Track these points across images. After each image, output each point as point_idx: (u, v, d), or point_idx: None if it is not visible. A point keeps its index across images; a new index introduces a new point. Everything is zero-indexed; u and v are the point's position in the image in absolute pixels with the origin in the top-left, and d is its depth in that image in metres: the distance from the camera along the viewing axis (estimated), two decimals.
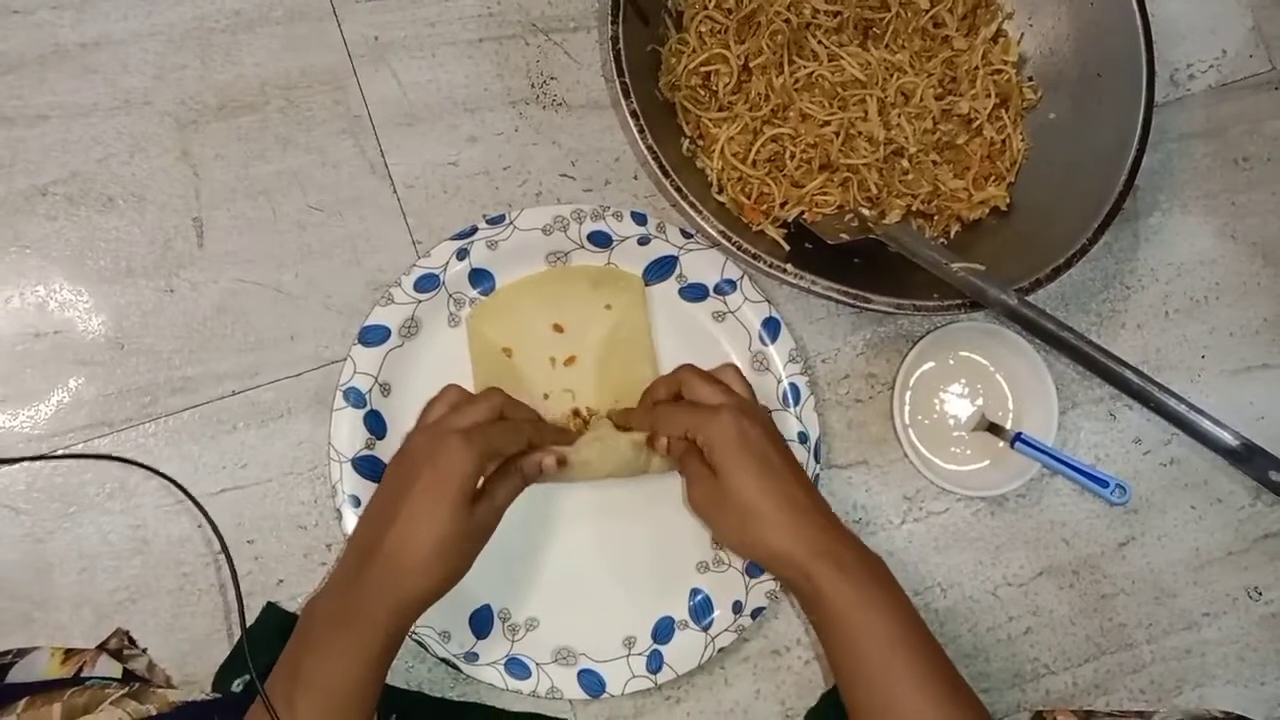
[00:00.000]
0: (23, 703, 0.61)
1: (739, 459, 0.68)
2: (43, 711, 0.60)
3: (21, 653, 0.68)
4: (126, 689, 0.63)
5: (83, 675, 0.66)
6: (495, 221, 0.76)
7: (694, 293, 0.79)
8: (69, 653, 0.69)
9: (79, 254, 0.74)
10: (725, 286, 0.78)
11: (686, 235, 0.78)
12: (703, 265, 0.78)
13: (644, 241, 0.77)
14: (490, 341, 0.76)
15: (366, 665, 0.62)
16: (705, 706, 0.77)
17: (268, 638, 0.72)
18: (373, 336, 0.74)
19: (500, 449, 0.68)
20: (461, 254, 0.75)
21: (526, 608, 0.75)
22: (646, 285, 0.79)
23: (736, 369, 0.76)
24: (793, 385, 0.78)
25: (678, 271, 0.78)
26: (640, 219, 0.77)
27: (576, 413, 0.77)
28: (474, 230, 0.76)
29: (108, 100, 0.75)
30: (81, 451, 0.72)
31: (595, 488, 0.76)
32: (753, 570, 0.76)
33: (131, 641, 0.71)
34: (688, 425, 0.70)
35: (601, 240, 0.77)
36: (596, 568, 0.76)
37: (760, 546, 0.69)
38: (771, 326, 0.78)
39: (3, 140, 0.74)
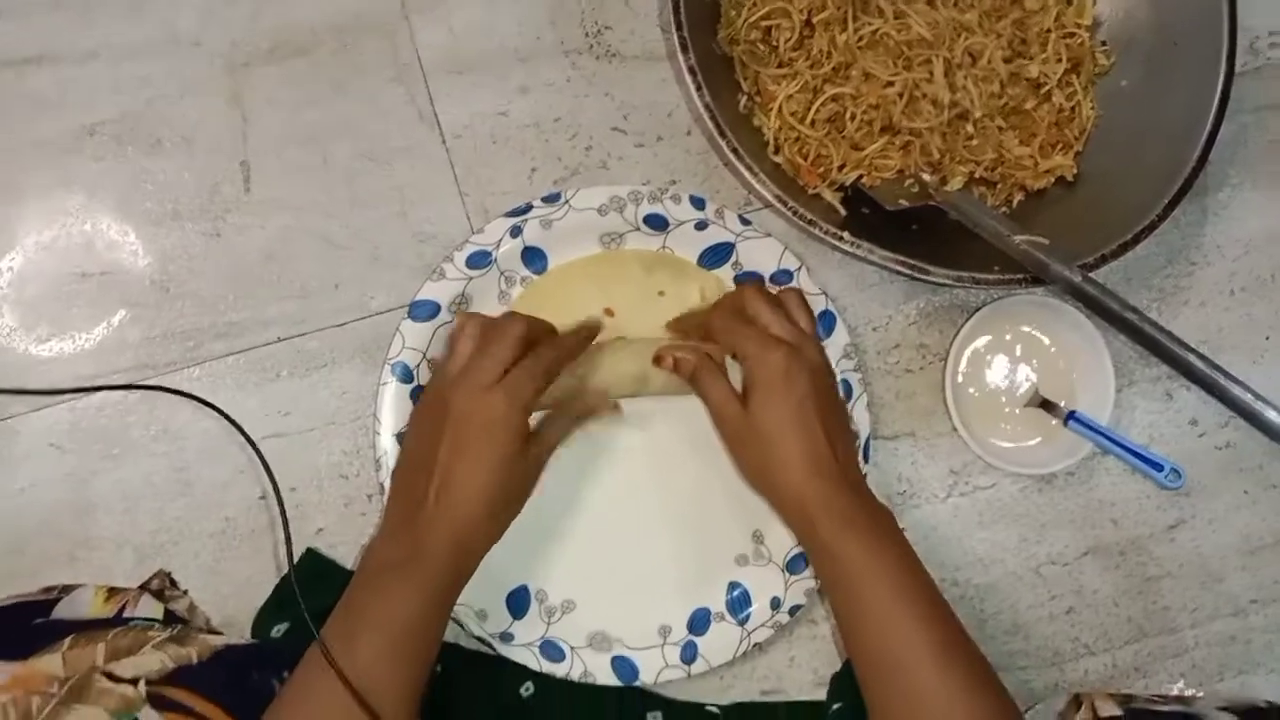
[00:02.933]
0: (68, 640, 0.61)
1: (777, 400, 0.66)
2: (87, 650, 0.61)
3: (67, 589, 0.69)
4: (168, 632, 0.64)
5: (125, 615, 0.67)
6: (550, 200, 0.75)
7: (749, 280, 0.77)
8: (112, 591, 0.69)
9: (126, 195, 0.74)
10: (782, 276, 0.76)
11: (744, 222, 0.76)
12: (760, 253, 0.76)
13: (701, 226, 0.76)
14: None
15: (429, 603, 0.62)
16: (739, 672, 0.76)
17: (307, 583, 0.73)
18: (422, 311, 0.73)
19: (536, 393, 0.67)
20: (515, 231, 0.74)
21: (563, 590, 0.75)
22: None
23: (800, 294, 0.73)
24: (845, 382, 0.76)
25: (734, 259, 0.76)
26: (699, 203, 0.75)
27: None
28: (529, 208, 0.74)
29: (158, 40, 0.74)
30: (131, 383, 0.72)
31: (639, 475, 0.76)
32: (793, 566, 0.75)
33: (173, 583, 0.72)
34: (739, 345, 0.69)
35: (658, 223, 0.75)
36: (636, 554, 0.76)
37: (773, 489, 0.69)
38: (827, 320, 0.76)
39: (51, 78, 0.73)
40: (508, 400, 0.64)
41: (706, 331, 0.72)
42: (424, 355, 0.73)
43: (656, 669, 0.74)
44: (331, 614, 0.63)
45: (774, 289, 0.75)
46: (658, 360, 0.73)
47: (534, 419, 0.68)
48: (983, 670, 0.64)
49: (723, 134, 0.68)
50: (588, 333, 0.73)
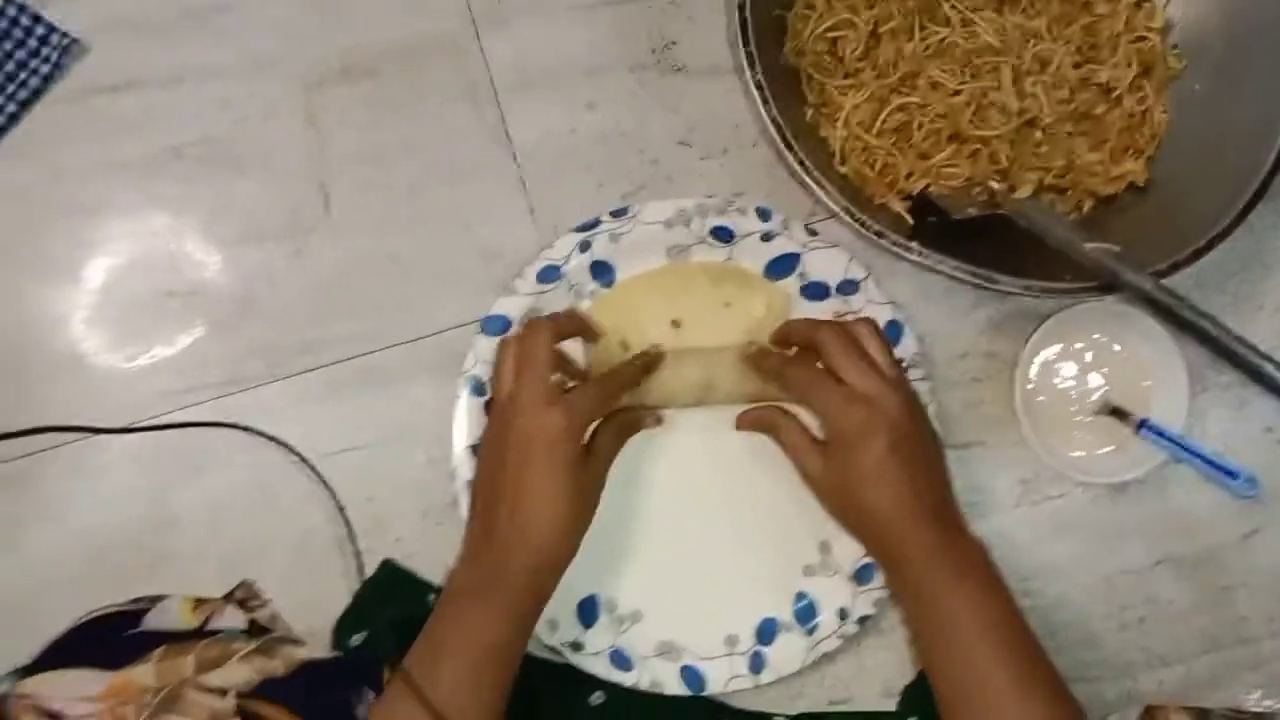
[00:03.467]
0: (159, 651, 0.63)
1: (855, 457, 0.67)
2: (178, 661, 0.63)
3: (155, 600, 0.71)
4: (254, 644, 0.65)
5: (211, 625, 0.69)
6: (618, 214, 0.76)
7: (815, 291, 0.77)
8: (199, 602, 0.71)
9: (211, 216, 0.76)
10: (848, 287, 0.76)
11: (811, 232, 0.76)
12: (826, 264, 0.76)
13: (767, 238, 0.76)
14: (606, 336, 0.76)
15: (508, 627, 0.63)
16: (807, 681, 0.76)
17: (384, 593, 0.75)
18: (494, 326, 0.75)
19: (595, 414, 0.69)
20: (584, 246, 0.75)
21: (632, 600, 0.75)
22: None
23: (873, 325, 0.72)
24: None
25: (800, 269, 0.77)
26: (765, 215, 0.76)
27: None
28: (597, 222, 0.75)
29: (238, 63, 0.76)
30: (205, 418, 0.75)
31: (705, 485, 0.77)
32: (861, 576, 0.75)
33: (256, 593, 0.74)
34: (816, 402, 0.70)
35: (724, 235, 0.76)
36: (703, 564, 0.76)
37: (859, 531, 0.70)
38: (894, 330, 0.76)
39: (136, 102, 0.75)
40: (566, 416, 0.65)
41: (786, 382, 0.72)
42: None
43: (724, 678, 0.74)
44: (415, 641, 0.64)
45: (845, 316, 0.76)
46: (739, 427, 0.75)
47: None
48: (1064, 703, 0.65)
49: (790, 146, 0.69)
50: (647, 362, 0.74)
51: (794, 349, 0.75)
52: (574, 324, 0.74)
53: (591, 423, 0.68)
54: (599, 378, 0.70)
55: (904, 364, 0.76)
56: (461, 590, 0.65)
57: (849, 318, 0.75)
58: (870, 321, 0.73)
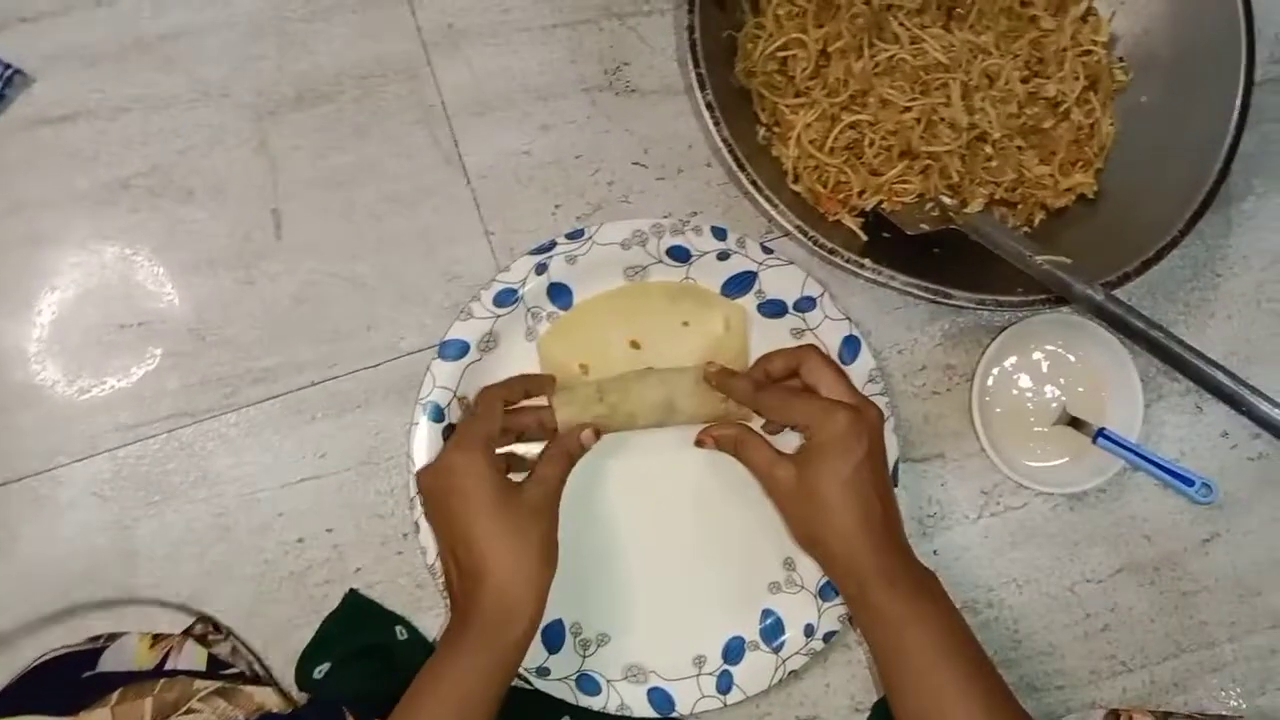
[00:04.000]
0: (116, 694, 0.62)
1: (837, 463, 0.67)
2: (135, 705, 0.62)
3: (112, 638, 0.70)
4: (214, 686, 0.65)
5: (170, 661, 0.68)
6: (574, 236, 0.76)
7: (773, 309, 0.77)
8: (156, 638, 0.71)
9: (161, 245, 0.75)
10: (805, 304, 0.77)
11: (766, 250, 0.77)
12: (782, 281, 0.77)
13: (723, 257, 0.76)
14: (562, 361, 0.76)
15: (484, 670, 0.63)
16: (775, 700, 0.77)
17: (348, 624, 0.74)
18: (451, 351, 0.74)
19: (488, 434, 0.68)
20: (540, 268, 0.75)
21: (598, 623, 0.75)
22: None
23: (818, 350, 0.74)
24: None
25: (757, 287, 0.77)
26: (720, 234, 0.76)
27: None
28: (553, 245, 0.75)
29: (187, 92, 0.76)
30: (160, 450, 0.74)
31: (669, 506, 0.77)
32: (825, 593, 0.75)
33: (216, 627, 0.73)
34: (797, 412, 0.70)
35: (680, 255, 0.76)
36: (668, 585, 0.76)
37: (824, 548, 0.70)
38: (852, 345, 0.77)
39: (86, 133, 0.75)
40: (457, 448, 0.67)
41: (760, 403, 0.73)
42: (454, 394, 0.74)
43: (693, 699, 0.74)
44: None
45: (803, 333, 0.77)
46: (699, 443, 0.75)
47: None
48: None
49: (741, 167, 0.69)
50: (540, 378, 0.75)
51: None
52: (519, 388, 0.73)
53: (486, 444, 0.67)
54: (477, 410, 0.71)
55: (864, 381, 0.77)
56: (444, 642, 0.66)
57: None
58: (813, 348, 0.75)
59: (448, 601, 0.73)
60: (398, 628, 0.74)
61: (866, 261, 0.70)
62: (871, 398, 0.76)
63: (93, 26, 0.75)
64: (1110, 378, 0.80)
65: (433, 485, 0.68)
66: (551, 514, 0.69)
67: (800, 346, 0.74)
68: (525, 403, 0.74)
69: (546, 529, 0.68)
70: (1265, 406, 0.63)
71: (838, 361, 0.75)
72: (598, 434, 0.73)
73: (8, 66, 0.72)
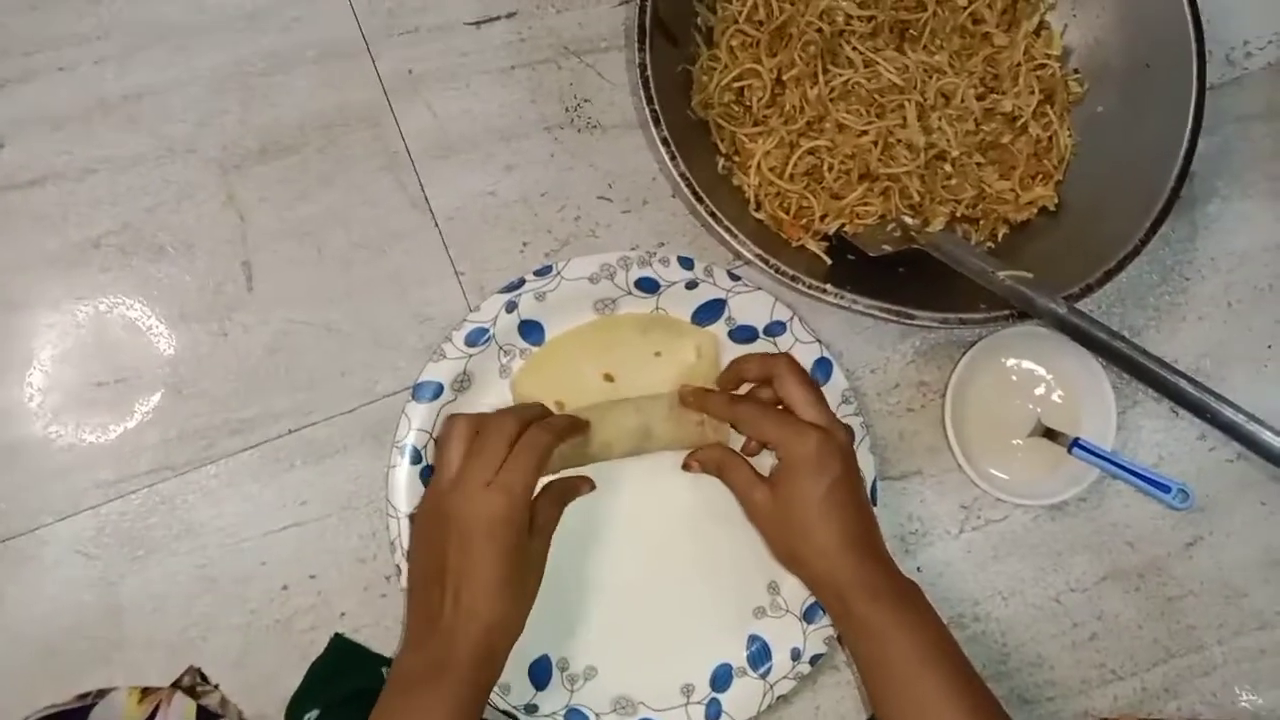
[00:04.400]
0: None
1: (810, 483, 0.68)
2: None
3: (101, 694, 0.71)
4: None
5: (158, 716, 0.69)
6: (542, 273, 0.76)
7: (744, 334, 0.78)
8: (145, 691, 0.71)
9: (134, 303, 0.76)
10: (775, 328, 0.77)
11: (734, 278, 0.77)
12: (752, 307, 0.77)
13: (691, 286, 0.77)
14: (537, 398, 0.76)
15: (458, 713, 0.62)
16: None
17: (335, 668, 0.75)
18: (425, 393, 0.75)
19: (531, 485, 0.67)
20: (510, 306, 0.76)
21: (585, 657, 0.75)
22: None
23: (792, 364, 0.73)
24: (846, 427, 0.77)
25: (727, 314, 0.78)
26: (687, 263, 0.77)
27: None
28: (521, 282, 0.76)
29: (153, 150, 0.77)
30: (140, 505, 0.74)
31: (651, 535, 0.77)
32: (810, 616, 0.76)
33: (204, 678, 0.74)
34: (769, 431, 0.71)
35: (649, 286, 0.77)
36: (653, 615, 0.76)
37: (806, 568, 0.71)
38: (824, 368, 0.77)
39: (54, 195, 0.76)
40: (507, 497, 0.64)
41: (735, 418, 0.74)
42: (431, 436, 0.75)
43: None
44: None
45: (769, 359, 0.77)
46: (686, 467, 0.76)
47: None
48: None
49: (699, 199, 0.70)
50: (575, 422, 0.74)
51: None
52: (535, 413, 0.72)
53: (529, 498, 0.67)
54: (526, 441, 0.69)
55: (838, 402, 0.78)
56: (408, 678, 0.64)
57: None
58: (787, 356, 0.75)
59: (405, 621, 0.73)
60: (384, 669, 0.75)
61: (828, 287, 0.70)
62: (845, 418, 0.77)
63: (57, 90, 0.76)
64: (1083, 387, 0.80)
65: (469, 516, 0.65)
66: (544, 561, 0.69)
67: (775, 355, 0.75)
68: None
69: (539, 578, 0.69)
70: (1229, 412, 0.64)
71: (809, 374, 0.75)
72: (591, 485, 0.75)
73: None
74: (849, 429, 0.73)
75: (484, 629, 0.64)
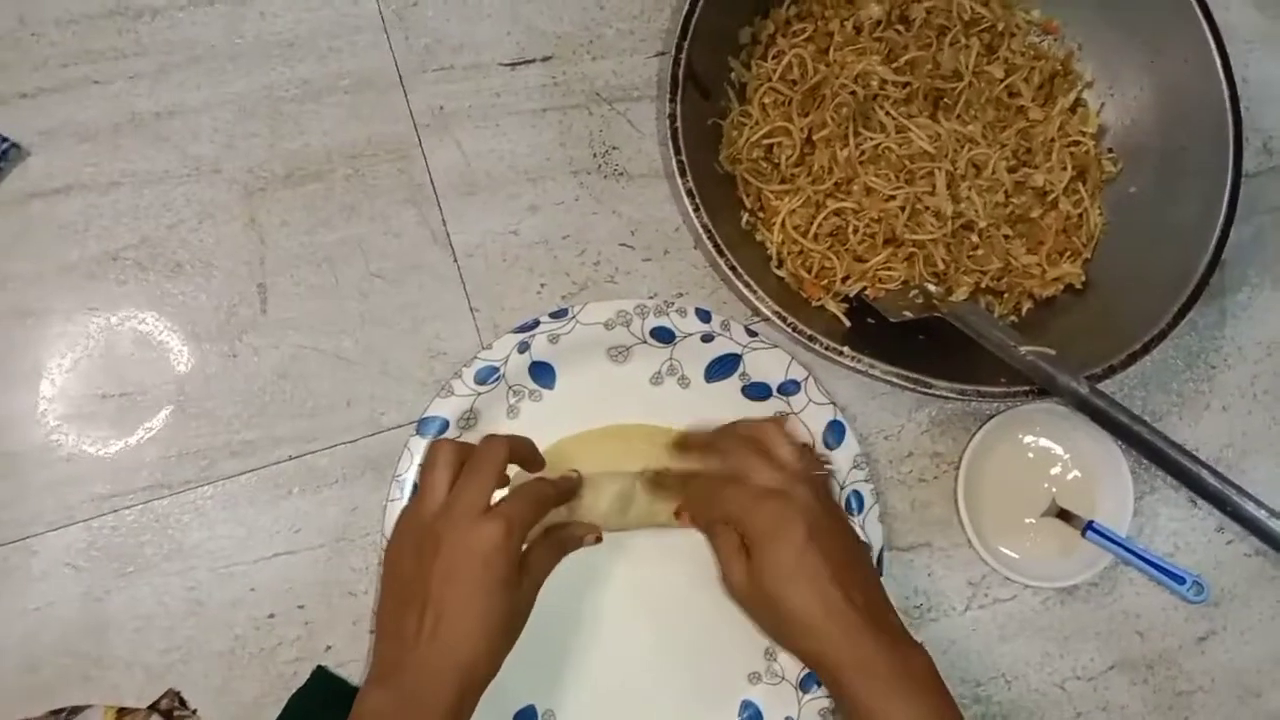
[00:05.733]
0: None
1: (774, 556, 0.64)
2: None
3: (75, 711, 0.70)
4: None
5: None
6: (558, 315, 0.76)
7: (757, 392, 0.77)
8: (121, 712, 0.70)
9: (147, 318, 0.75)
10: (790, 387, 0.76)
11: (751, 334, 0.76)
12: (767, 364, 0.76)
13: (707, 339, 0.76)
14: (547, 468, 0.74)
15: None
16: None
17: (316, 701, 0.73)
18: (430, 428, 0.74)
19: (531, 524, 0.66)
20: (523, 347, 0.75)
21: (571, 711, 0.73)
22: (709, 383, 0.77)
23: (778, 425, 0.71)
24: (856, 493, 0.75)
25: (741, 370, 0.77)
26: (704, 316, 0.76)
27: None
28: (536, 323, 0.75)
29: (179, 168, 0.77)
30: (134, 521, 0.73)
31: (650, 595, 0.75)
32: (806, 685, 0.74)
33: (182, 702, 0.72)
34: (725, 509, 0.68)
35: (664, 336, 0.76)
36: (645, 672, 0.74)
37: (792, 646, 0.67)
38: (837, 430, 0.76)
39: (78, 207, 0.76)
40: (505, 528, 0.62)
41: (690, 499, 0.72)
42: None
43: None
44: None
45: (786, 415, 0.76)
46: (678, 514, 0.73)
47: None
48: None
49: (721, 252, 0.69)
50: (570, 485, 0.72)
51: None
52: (526, 449, 0.71)
53: (527, 535, 0.65)
54: (535, 483, 0.68)
55: (828, 464, 0.75)
56: (378, 712, 0.62)
57: (765, 419, 0.74)
58: (776, 421, 0.73)
59: (372, 648, 0.71)
60: None
61: (846, 349, 0.69)
62: (855, 484, 0.75)
63: (89, 103, 0.76)
64: (1101, 469, 0.78)
65: (459, 541, 0.62)
66: (531, 607, 0.67)
67: (719, 430, 0.72)
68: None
69: (522, 623, 0.66)
70: (1250, 507, 0.62)
71: (764, 427, 0.71)
72: (599, 537, 0.72)
73: (4, 140, 0.74)
74: (821, 475, 0.69)
75: (459, 667, 0.61)
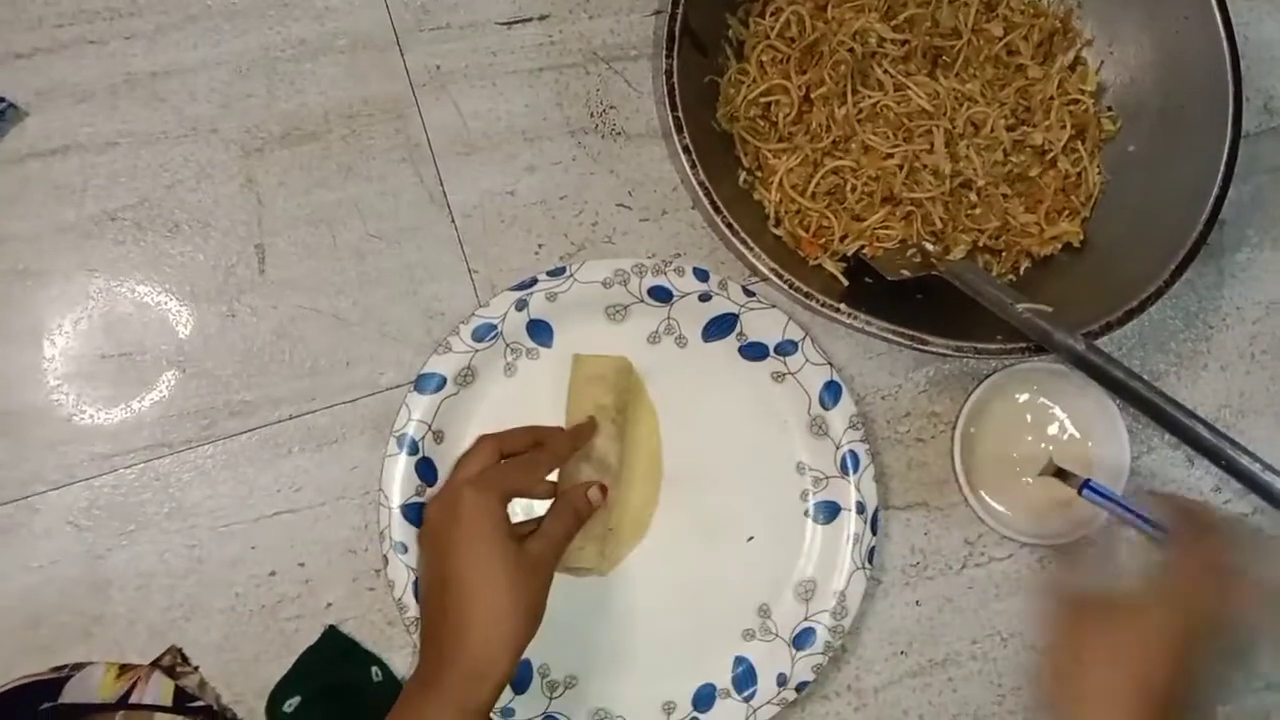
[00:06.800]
0: None
1: None
2: None
3: (78, 667, 0.70)
4: None
5: (135, 694, 0.68)
6: (555, 273, 0.76)
7: (754, 351, 0.77)
8: (123, 669, 0.71)
9: (145, 278, 0.76)
10: (787, 347, 0.76)
11: (749, 293, 0.76)
12: (764, 324, 0.76)
13: (705, 298, 0.76)
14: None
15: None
16: None
17: (327, 660, 0.74)
18: (428, 384, 0.74)
19: (518, 484, 0.67)
20: (521, 304, 0.75)
21: (566, 665, 0.74)
22: (706, 342, 0.77)
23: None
24: (851, 453, 0.76)
25: (738, 329, 0.77)
26: (702, 275, 0.76)
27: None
28: (534, 281, 0.75)
29: (176, 128, 0.77)
30: (134, 480, 0.74)
31: (643, 552, 0.76)
32: (799, 642, 0.74)
33: (184, 659, 0.73)
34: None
35: (662, 295, 0.76)
36: (639, 628, 0.75)
37: None
38: (833, 390, 0.76)
39: (75, 167, 0.76)
40: (474, 488, 0.63)
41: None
42: (429, 427, 0.74)
43: None
44: None
45: (784, 376, 0.76)
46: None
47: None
48: None
49: (718, 210, 0.69)
50: (581, 433, 0.73)
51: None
52: (520, 442, 0.71)
53: (511, 494, 0.66)
54: (527, 455, 0.69)
55: (845, 427, 0.76)
56: (416, 684, 0.63)
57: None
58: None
59: (416, 641, 0.72)
60: (374, 669, 0.74)
61: (842, 306, 0.69)
62: (851, 444, 0.75)
63: (85, 63, 0.76)
64: (1097, 428, 0.78)
65: (439, 515, 0.65)
66: (549, 572, 0.66)
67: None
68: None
69: (541, 587, 0.65)
70: (1245, 461, 0.62)
71: None
72: (604, 492, 0.72)
73: (1, 100, 0.74)
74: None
75: (473, 638, 0.61)
